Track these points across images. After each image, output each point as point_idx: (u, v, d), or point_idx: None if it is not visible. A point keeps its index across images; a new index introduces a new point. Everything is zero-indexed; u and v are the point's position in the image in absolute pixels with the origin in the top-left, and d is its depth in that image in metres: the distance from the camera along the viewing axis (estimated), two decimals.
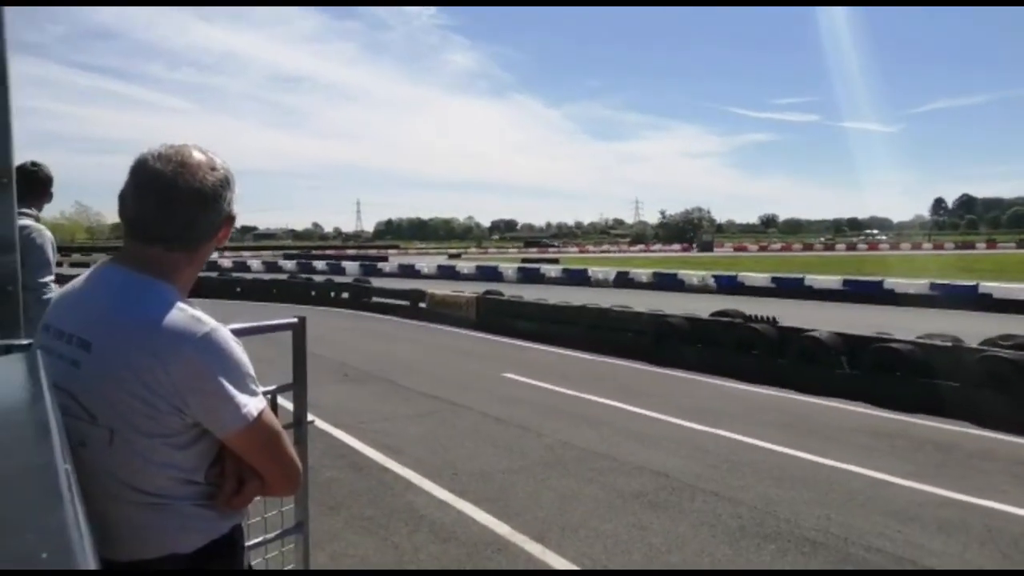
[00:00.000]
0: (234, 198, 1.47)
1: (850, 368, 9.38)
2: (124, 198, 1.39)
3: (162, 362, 1.27)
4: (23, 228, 3.39)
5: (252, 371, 1.38)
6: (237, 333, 3.20)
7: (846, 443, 6.88)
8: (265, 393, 3.08)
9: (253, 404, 1.35)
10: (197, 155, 1.41)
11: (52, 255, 3.48)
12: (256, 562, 3.05)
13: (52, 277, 3.46)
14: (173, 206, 1.36)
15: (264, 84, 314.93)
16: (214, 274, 31.78)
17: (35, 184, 3.56)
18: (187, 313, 1.34)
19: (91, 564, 0.55)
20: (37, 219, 3.51)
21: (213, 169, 1.41)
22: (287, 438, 1.47)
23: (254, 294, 23.66)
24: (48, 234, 3.49)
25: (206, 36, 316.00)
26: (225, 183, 1.44)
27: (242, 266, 43.55)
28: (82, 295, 1.40)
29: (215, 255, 59.24)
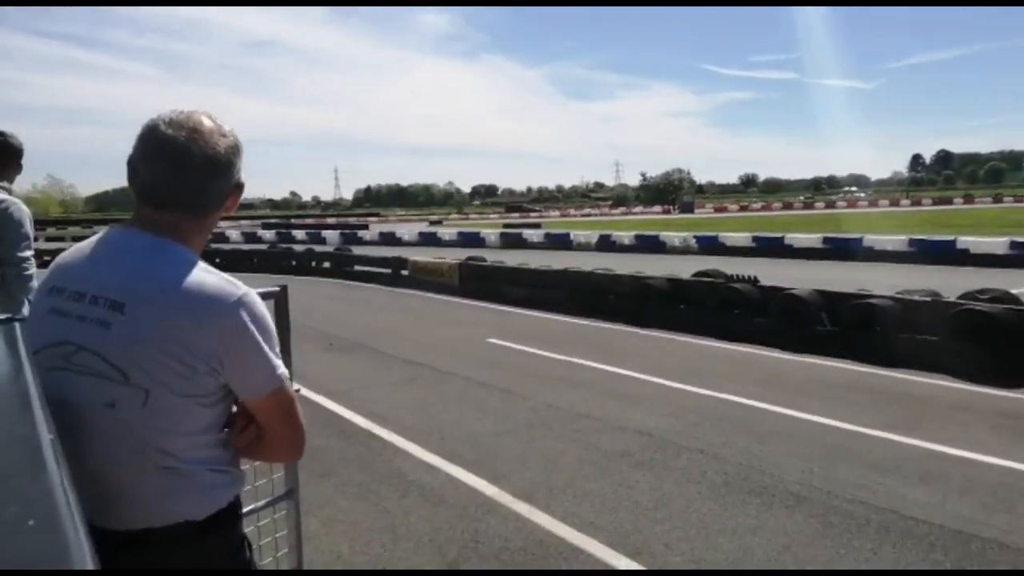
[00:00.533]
0: (242, 165, 1.47)
1: (830, 325, 9.48)
2: (134, 163, 1.38)
3: (201, 324, 1.29)
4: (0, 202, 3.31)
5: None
6: None
7: (826, 398, 6.99)
8: None
9: (282, 368, 1.40)
10: (208, 121, 1.40)
11: (31, 229, 3.40)
12: (248, 530, 3.05)
13: (32, 252, 3.39)
14: (186, 171, 1.36)
15: (233, 50, 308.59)
16: None
17: (4, 155, 3.45)
18: (220, 276, 1.37)
19: (79, 530, 0.53)
20: (10, 192, 3.41)
21: (224, 136, 1.41)
22: (300, 405, 1.49)
23: (233, 265, 23.37)
24: (25, 208, 3.40)
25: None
26: (235, 150, 1.44)
27: (220, 236, 42.99)
28: (99, 258, 1.38)
29: None
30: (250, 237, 42.98)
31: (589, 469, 5.07)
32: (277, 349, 1.39)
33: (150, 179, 1.37)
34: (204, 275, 1.34)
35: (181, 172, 1.36)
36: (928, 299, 8.88)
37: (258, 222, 67.07)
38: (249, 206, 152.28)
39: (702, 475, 4.98)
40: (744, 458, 5.30)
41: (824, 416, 6.30)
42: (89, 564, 0.49)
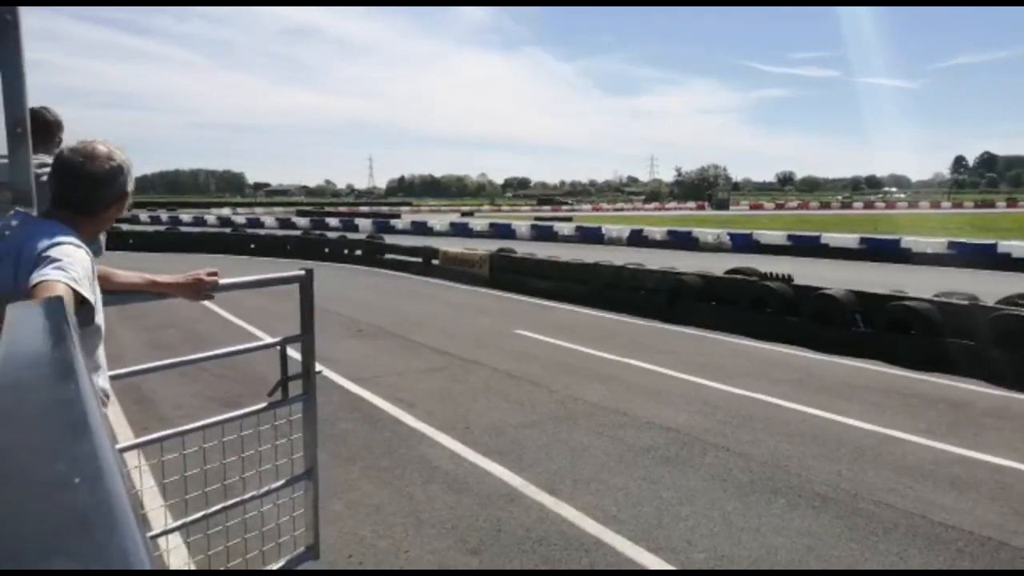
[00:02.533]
0: (129, 180, 2.05)
1: (864, 326, 9.33)
2: (49, 176, 1.99)
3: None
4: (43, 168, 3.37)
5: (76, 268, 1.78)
6: (244, 286, 3.20)
7: (858, 400, 6.88)
8: (272, 344, 3.12)
9: (50, 277, 1.71)
10: (101, 148, 1.99)
11: None
12: (267, 508, 3.12)
13: None
14: (76, 184, 1.96)
15: (274, 37, 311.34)
16: (228, 230, 31.87)
17: (44, 128, 3.51)
18: (64, 244, 1.83)
19: (121, 488, 0.56)
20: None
21: (110, 159, 1.98)
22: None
23: (268, 250, 23.74)
24: None
25: None
26: (119, 171, 2.00)
27: (255, 222, 43.62)
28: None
29: (228, 211, 59.21)
30: (285, 223, 43.51)
31: (614, 463, 5.07)
32: (68, 272, 1.72)
33: (54, 187, 1.98)
34: (52, 240, 1.80)
35: (72, 184, 1.96)
36: (966, 303, 8.68)
37: (293, 209, 67.86)
38: (284, 192, 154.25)
39: (728, 473, 4.94)
40: (771, 457, 5.25)
41: (855, 418, 6.21)
42: (133, 518, 0.51)
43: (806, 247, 25.12)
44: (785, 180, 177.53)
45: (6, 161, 2.95)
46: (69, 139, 3.65)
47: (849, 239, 25.41)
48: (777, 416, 6.32)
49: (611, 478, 4.79)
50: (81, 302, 1.75)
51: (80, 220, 1.97)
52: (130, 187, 2.07)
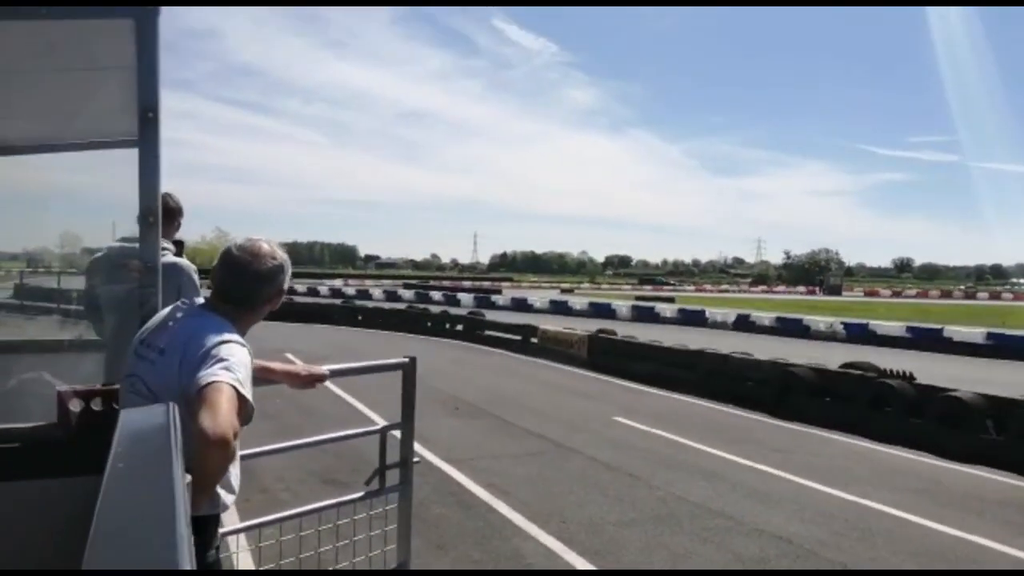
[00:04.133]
0: (287, 278, 2.12)
1: (996, 433, 8.52)
2: (214, 270, 2.06)
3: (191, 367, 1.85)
4: (174, 264, 3.59)
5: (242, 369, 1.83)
6: (350, 372, 3.23)
7: (991, 518, 6.21)
8: (374, 431, 3.12)
9: (219, 377, 1.75)
10: (265, 247, 2.06)
11: (199, 284, 3.70)
12: None
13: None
14: (242, 280, 2.02)
15: (390, 120, 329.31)
16: (338, 301, 33.23)
17: (166, 213, 3.76)
18: (228, 341, 1.89)
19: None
20: (172, 252, 3.72)
21: (273, 259, 2.06)
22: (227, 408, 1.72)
23: (374, 322, 24.51)
24: (191, 265, 3.70)
25: (339, 73, 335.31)
26: (280, 269, 2.08)
27: (364, 294, 45.34)
28: (168, 321, 2.01)
29: (339, 282, 62.00)
30: (391, 295, 44.97)
31: None
32: (234, 373, 1.77)
33: (219, 281, 2.05)
34: (219, 338, 1.86)
35: (238, 280, 2.03)
36: None
37: (399, 282, 70.23)
38: (392, 265, 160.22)
39: None
40: None
41: (989, 539, 5.59)
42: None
43: (927, 340, 23.51)
44: (902, 266, 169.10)
45: (137, 245, 3.17)
46: (201, 213, 3.90)
47: (975, 333, 23.62)
48: (900, 531, 5.78)
49: None
50: (243, 403, 1.78)
51: (240, 314, 2.04)
52: (287, 284, 2.14)
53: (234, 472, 2.08)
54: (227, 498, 2.03)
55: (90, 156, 3.15)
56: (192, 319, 1.96)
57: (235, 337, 1.91)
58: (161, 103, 2.29)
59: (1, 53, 2.40)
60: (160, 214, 2.39)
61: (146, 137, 2.29)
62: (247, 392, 1.79)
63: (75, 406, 2.19)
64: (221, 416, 1.64)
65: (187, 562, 0.66)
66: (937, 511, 6.30)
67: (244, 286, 2.03)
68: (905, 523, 5.98)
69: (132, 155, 2.34)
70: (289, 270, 2.13)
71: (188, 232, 3.99)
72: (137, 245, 3.10)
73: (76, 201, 3.79)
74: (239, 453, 2.18)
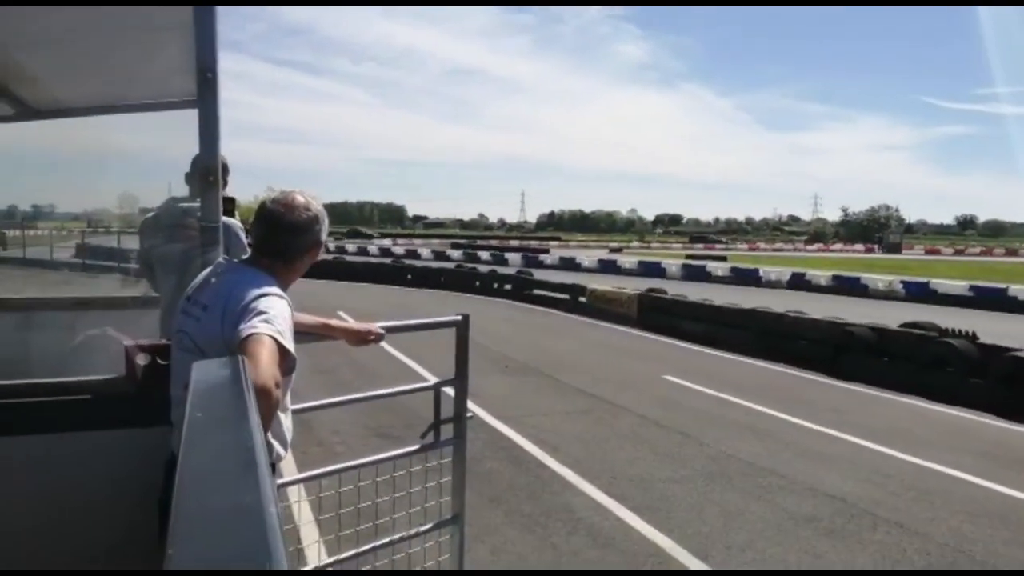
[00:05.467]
0: (323, 229, 2.13)
1: None
2: (252, 225, 2.11)
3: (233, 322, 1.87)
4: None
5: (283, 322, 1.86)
6: (404, 329, 3.27)
7: None
8: (428, 387, 3.16)
9: (260, 329, 1.78)
10: (300, 199, 2.07)
11: (244, 239, 3.76)
12: (414, 551, 3.14)
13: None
14: (277, 232, 2.03)
15: (439, 78, 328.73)
16: (388, 260, 33.65)
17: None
18: (270, 294, 1.91)
19: (276, 521, 0.68)
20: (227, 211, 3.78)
21: (307, 210, 2.06)
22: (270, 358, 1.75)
23: (423, 281, 24.74)
24: (238, 223, 3.76)
25: (388, 32, 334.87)
26: (315, 219, 2.08)
27: (413, 254, 45.78)
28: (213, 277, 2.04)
29: (388, 242, 62.62)
30: (439, 255, 45.30)
31: (772, 532, 4.71)
32: (273, 325, 1.79)
33: (256, 236, 2.08)
34: (259, 292, 1.88)
35: (273, 233, 2.03)
36: None
37: (447, 241, 70.61)
38: (439, 224, 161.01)
39: (902, 553, 4.45)
40: (953, 539, 4.68)
41: None
42: (281, 548, 0.62)
43: (991, 300, 22.65)
44: (966, 223, 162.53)
45: (185, 204, 3.24)
46: (254, 172, 3.96)
47: None
48: (960, 491, 5.65)
49: (768, 547, 4.45)
50: (285, 354, 1.80)
51: (279, 267, 2.04)
52: (323, 236, 2.15)
53: (286, 424, 2.13)
54: (280, 449, 2.08)
55: (146, 117, 3.20)
56: (232, 274, 1.99)
57: (274, 290, 1.93)
58: (219, 85, 2.32)
59: (59, 16, 2.44)
60: (220, 174, 2.43)
61: (205, 97, 2.31)
62: (287, 343, 1.81)
63: (142, 360, 2.27)
64: (262, 367, 1.66)
65: (273, 506, 0.68)
66: (999, 472, 6.14)
67: (280, 238, 2.04)
68: (966, 484, 5.85)
69: (188, 116, 2.38)
70: (326, 222, 2.13)
71: (241, 191, 4.04)
72: (186, 204, 3.17)
73: (133, 162, 3.88)
74: (291, 406, 2.25)
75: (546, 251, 52.34)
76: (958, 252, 78.27)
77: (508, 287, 22.21)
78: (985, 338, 10.02)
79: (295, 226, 2.04)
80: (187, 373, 1.43)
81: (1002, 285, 24.36)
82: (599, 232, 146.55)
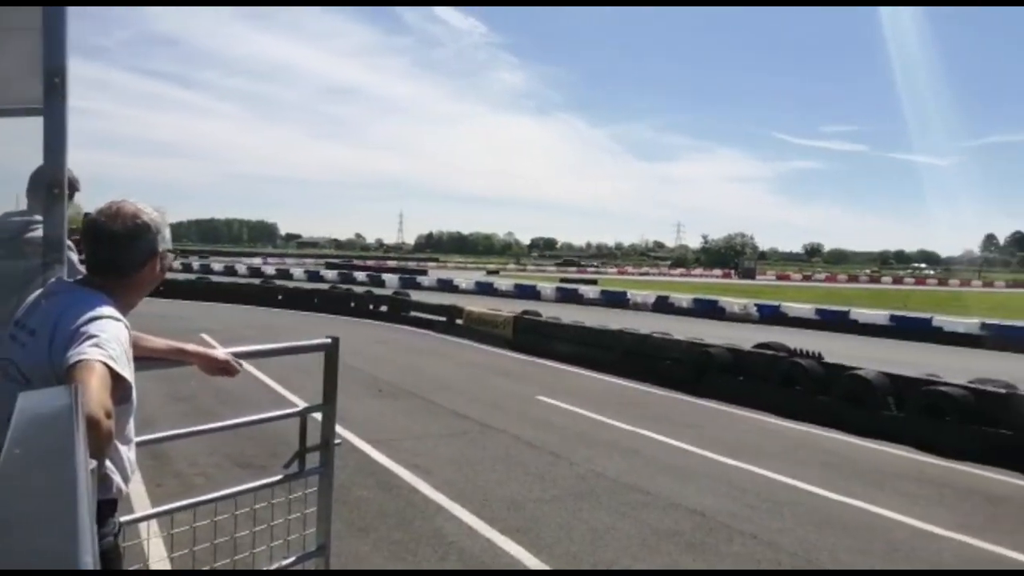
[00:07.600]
0: (162, 239, 1.96)
1: (897, 410, 9.06)
2: (81, 242, 2.01)
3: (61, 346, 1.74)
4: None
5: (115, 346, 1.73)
6: (269, 354, 3.17)
7: (891, 489, 6.62)
8: (294, 413, 3.06)
9: (88, 356, 1.65)
10: (129, 207, 1.91)
11: (76, 260, 3.51)
12: None
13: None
14: (103, 244, 1.88)
15: (315, 95, 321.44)
16: (256, 280, 32.29)
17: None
18: (102, 316, 1.77)
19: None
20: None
21: (136, 218, 1.90)
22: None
23: (295, 302, 23.90)
24: (68, 242, 3.51)
25: (261, 46, 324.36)
26: (144, 228, 1.91)
27: (285, 274, 44.18)
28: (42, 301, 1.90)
29: (259, 261, 60.07)
30: (313, 276, 43.99)
31: (637, 547, 4.88)
32: (104, 350, 1.66)
33: (85, 252, 1.92)
34: (90, 314, 1.74)
35: (98, 246, 1.88)
36: (1003, 391, 8.40)
37: (322, 261, 68.77)
38: (314, 244, 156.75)
39: (755, 563, 4.74)
40: (800, 548, 5.03)
41: (888, 509, 5.96)
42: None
43: (834, 322, 24.72)
44: (812, 251, 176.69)
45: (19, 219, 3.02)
46: (113, 185, 3.71)
47: (879, 315, 25.00)
48: (806, 502, 6.09)
49: (634, 564, 4.60)
50: (118, 381, 1.68)
51: (114, 285, 1.89)
52: (162, 246, 1.98)
53: (128, 456, 1.98)
54: (120, 483, 1.93)
55: None
56: (63, 296, 1.84)
57: (107, 311, 1.79)
58: (70, 69, 2.17)
59: None
60: (66, 186, 2.27)
61: (52, 104, 2.16)
62: (121, 369, 1.69)
63: None
64: (91, 395, 1.54)
65: (88, 554, 0.64)
66: (840, 484, 6.66)
67: (106, 251, 1.88)
68: (810, 495, 6.31)
69: (32, 124, 2.21)
70: (162, 231, 1.97)
71: (96, 206, 3.76)
72: (26, 219, 2.96)
73: None
74: (135, 437, 2.09)
75: (424, 272, 52.14)
76: (806, 278, 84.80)
77: (384, 308, 21.90)
78: (830, 357, 10.89)
79: (122, 236, 1.88)
80: (12, 405, 1.32)
81: (844, 308, 26.63)
82: (477, 254, 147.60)
